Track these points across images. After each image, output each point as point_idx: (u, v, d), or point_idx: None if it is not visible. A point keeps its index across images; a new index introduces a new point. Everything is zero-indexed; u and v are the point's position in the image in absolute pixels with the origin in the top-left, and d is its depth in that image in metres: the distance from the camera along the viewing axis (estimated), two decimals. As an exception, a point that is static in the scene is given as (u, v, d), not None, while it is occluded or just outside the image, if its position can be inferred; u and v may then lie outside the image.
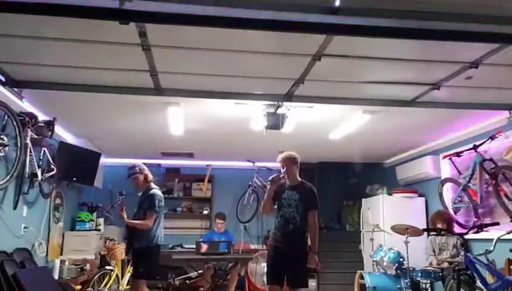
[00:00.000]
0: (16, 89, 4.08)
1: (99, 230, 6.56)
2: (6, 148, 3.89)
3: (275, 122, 4.56)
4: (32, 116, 4.35)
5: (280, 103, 4.36)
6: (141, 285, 4.44)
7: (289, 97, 4.20)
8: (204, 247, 6.21)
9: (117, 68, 3.64)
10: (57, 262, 5.17)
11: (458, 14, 2.58)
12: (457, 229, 5.18)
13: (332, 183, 7.79)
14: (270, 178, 4.06)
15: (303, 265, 3.89)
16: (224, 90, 4.11)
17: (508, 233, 3.96)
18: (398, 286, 5.05)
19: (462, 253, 4.88)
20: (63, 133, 5.66)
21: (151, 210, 4.43)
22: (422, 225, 5.86)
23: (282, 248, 3.94)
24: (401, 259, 5.17)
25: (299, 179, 4.14)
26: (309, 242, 4.03)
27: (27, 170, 4.41)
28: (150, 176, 4.69)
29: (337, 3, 2.46)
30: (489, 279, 4.01)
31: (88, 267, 5.58)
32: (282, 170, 4.09)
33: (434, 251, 5.31)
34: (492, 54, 3.18)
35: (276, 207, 4.12)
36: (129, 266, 4.82)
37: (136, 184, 4.60)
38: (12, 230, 4.41)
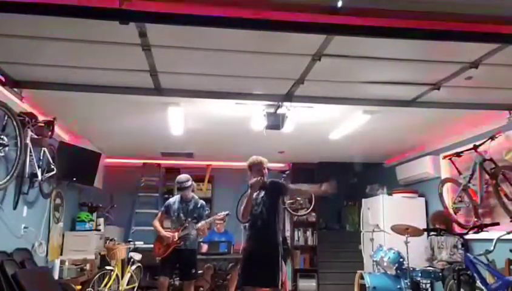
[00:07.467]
0: (16, 89, 4.08)
1: (99, 230, 6.56)
2: (6, 148, 3.89)
3: (275, 122, 4.56)
4: (32, 116, 4.35)
5: (280, 103, 4.36)
6: (193, 286, 4.90)
7: (289, 97, 4.20)
8: (204, 247, 6.21)
9: (117, 68, 3.64)
10: (57, 262, 5.17)
11: (458, 14, 2.59)
12: (457, 229, 5.19)
13: (332, 184, 7.78)
14: (249, 183, 3.94)
15: (274, 264, 3.80)
16: (224, 90, 4.11)
17: (508, 233, 3.96)
18: (398, 286, 5.04)
19: (461, 252, 4.88)
20: (63, 133, 5.66)
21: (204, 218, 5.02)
22: (422, 225, 5.85)
23: (254, 248, 3.92)
24: (401, 259, 5.16)
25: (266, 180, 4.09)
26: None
27: (27, 170, 4.40)
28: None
29: (338, 3, 2.47)
30: (489, 279, 4.01)
31: (88, 267, 5.57)
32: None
33: (433, 250, 5.32)
34: (492, 54, 3.18)
35: None
36: (173, 269, 5.02)
37: (188, 194, 5.03)
38: (12, 230, 4.41)
